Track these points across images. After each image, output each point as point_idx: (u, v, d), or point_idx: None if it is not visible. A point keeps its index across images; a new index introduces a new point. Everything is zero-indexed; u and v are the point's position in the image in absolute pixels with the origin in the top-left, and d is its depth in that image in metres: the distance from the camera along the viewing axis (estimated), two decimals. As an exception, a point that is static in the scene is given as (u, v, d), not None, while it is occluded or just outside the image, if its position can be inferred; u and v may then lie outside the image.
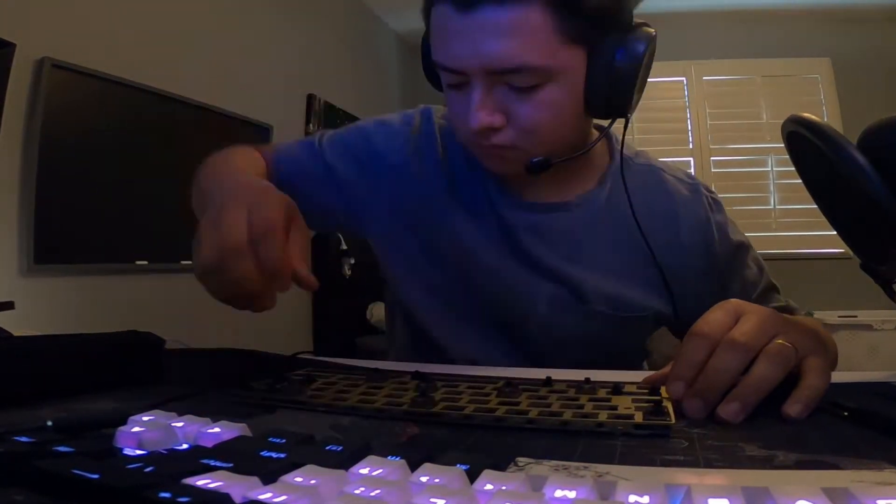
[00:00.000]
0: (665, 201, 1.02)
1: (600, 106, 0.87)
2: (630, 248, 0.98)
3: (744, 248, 1.05)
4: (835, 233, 0.78)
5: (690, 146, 4.99)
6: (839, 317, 4.31)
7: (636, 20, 0.86)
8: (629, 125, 0.93)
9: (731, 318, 0.61)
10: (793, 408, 0.54)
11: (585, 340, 0.99)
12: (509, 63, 0.78)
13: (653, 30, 0.86)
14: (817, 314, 4.39)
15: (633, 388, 0.63)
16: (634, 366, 1.09)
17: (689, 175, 1.07)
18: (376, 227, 1.08)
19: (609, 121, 0.93)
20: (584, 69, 0.83)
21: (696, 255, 1.01)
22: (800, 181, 0.80)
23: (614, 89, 0.84)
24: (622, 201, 0.95)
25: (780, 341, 0.58)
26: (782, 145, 0.79)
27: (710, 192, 1.06)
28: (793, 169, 0.80)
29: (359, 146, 1.06)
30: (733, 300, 0.65)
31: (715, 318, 0.62)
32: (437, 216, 1.01)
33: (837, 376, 0.70)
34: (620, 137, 0.99)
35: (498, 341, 1.01)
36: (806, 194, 0.80)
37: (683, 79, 5.06)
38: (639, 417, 0.52)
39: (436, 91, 0.96)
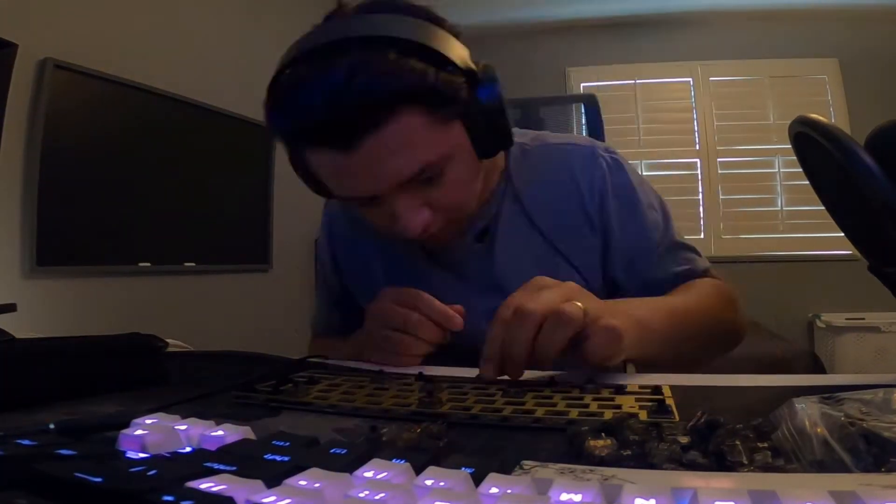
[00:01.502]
0: (563, 170, 1.06)
1: (490, 150, 0.91)
2: (539, 230, 1.05)
3: (640, 207, 1.06)
4: (842, 234, 0.77)
5: (697, 147, 4.98)
6: (846, 319, 4.29)
7: (475, 62, 0.87)
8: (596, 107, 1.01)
9: (529, 295, 0.71)
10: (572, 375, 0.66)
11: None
12: (411, 172, 0.82)
13: (491, 65, 0.87)
14: (825, 316, 4.40)
15: (636, 388, 0.63)
16: None
17: (588, 140, 1.11)
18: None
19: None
20: (465, 134, 0.87)
21: (597, 219, 1.04)
22: (807, 182, 0.80)
23: (494, 131, 0.88)
24: (522, 191, 1.05)
25: (568, 303, 0.67)
26: (789, 146, 0.79)
27: (610, 151, 1.09)
28: (800, 170, 0.80)
29: (322, 259, 1.27)
30: (538, 278, 0.75)
31: (514, 296, 0.71)
32: (377, 276, 1.13)
33: (844, 378, 0.70)
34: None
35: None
36: (813, 196, 0.79)
37: (690, 79, 5.05)
38: (643, 415, 0.52)
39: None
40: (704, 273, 1.07)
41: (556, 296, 0.70)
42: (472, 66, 0.85)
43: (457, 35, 0.87)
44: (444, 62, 0.81)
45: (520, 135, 1.10)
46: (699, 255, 1.09)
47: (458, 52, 0.84)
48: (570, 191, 1.05)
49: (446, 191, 0.87)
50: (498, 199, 1.06)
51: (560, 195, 1.05)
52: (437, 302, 0.87)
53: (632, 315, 0.77)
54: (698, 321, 0.92)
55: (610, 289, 1.06)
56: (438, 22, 0.87)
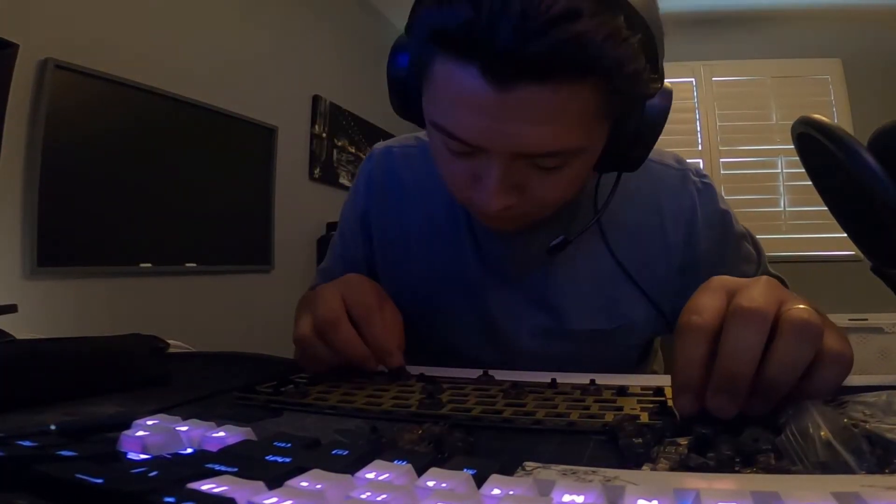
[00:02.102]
0: (648, 191, 0.96)
1: (614, 166, 0.80)
2: (616, 257, 0.93)
3: (734, 237, 0.97)
4: (845, 235, 0.77)
5: (700, 147, 4.97)
6: (849, 320, 4.28)
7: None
8: None
9: (721, 297, 0.52)
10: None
11: (573, 360, 0.93)
12: (545, 149, 0.69)
13: (670, 86, 0.76)
14: (827, 317, 4.39)
15: (638, 390, 0.63)
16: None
17: (678, 160, 1.00)
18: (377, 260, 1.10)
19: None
20: (606, 136, 0.75)
21: (679, 250, 0.95)
22: (810, 183, 0.80)
23: (637, 148, 0.77)
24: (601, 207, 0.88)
25: (799, 306, 0.48)
26: (792, 146, 0.79)
27: (701, 175, 0.98)
28: (803, 170, 0.80)
29: (348, 216, 1.11)
30: (716, 277, 0.56)
31: (702, 302, 0.52)
32: (414, 253, 1.03)
33: (846, 379, 0.70)
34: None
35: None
36: (816, 196, 0.79)
37: (693, 80, 5.04)
38: (644, 418, 0.51)
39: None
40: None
41: (775, 292, 0.51)
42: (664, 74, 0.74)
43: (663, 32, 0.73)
44: (654, 57, 0.68)
45: None
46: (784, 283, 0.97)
47: (662, 55, 0.72)
48: (653, 216, 0.95)
49: (552, 185, 0.75)
50: (573, 210, 0.95)
51: (642, 219, 0.95)
52: (384, 332, 0.75)
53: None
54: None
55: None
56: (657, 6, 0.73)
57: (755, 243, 1.00)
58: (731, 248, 0.96)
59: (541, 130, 0.66)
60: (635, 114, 0.73)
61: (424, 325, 1.00)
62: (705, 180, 0.97)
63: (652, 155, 0.87)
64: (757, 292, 0.50)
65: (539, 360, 0.93)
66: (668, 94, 0.75)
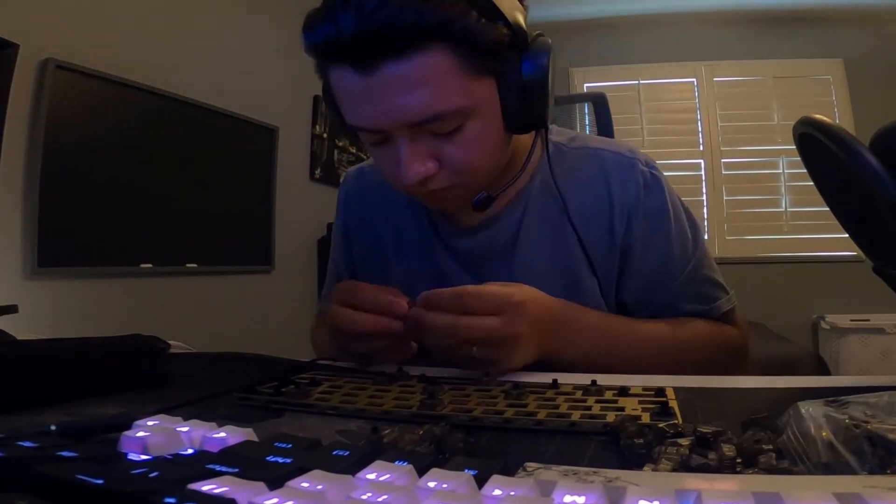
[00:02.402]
0: (599, 179, 1.00)
1: (520, 124, 0.87)
2: (567, 234, 0.99)
3: (668, 233, 1.01)
4: (847, 235, 0.77)
5: (701, 148, 4.97)
6: (851, 320, 4.28)
7: (532, 32, 0.85)
8: (605, 106, 0.96)
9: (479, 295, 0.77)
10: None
11: None
12: (425, 114, 0.77)
13: (549, 39, 0.85)
14: (829, 317, 4.39)
15: (640, 390, 0.63)
16: None
17: (630, 150, 1.04)
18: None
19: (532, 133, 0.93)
20: (497, 95, 0.83)
21: (620, 236, 0.99)
22: (811, 183, 0.80)
23: (529, 105, 0.83)
24: (554, 190, 0.97)
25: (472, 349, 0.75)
26: (794, 147, 0.78)
27: (650, 166, 1.02)
28: (804, 171, 0.80)
29: (335, 237, 1.22)
30: (524, 288, 0.81)
31: (488, 290, 0.79)
32: (390, 259, 1.11)
33: (848, 380, 0.70)
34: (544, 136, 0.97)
35: None
36: (817, 197, 0.79)
37: (694, 80, 5.04)
38: (646, 418, 0.51)
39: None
40: (723, 317, 1.04)
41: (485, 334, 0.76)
42: (524, 27, 0.82)
43: None
44: (494, 12, 0.78)
45: (556, 133, 1.06)
46: (725, 295, 1.05)
47: (513, 9, 0.81)
48: (602, 201, 0.99)
49: (460, 148, 0.82)
50: (527, 195, 1.02)
51: (593, 203, 0.99)
52: (378, 293, 0.82)
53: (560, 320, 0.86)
54: (661, 350, 0.93)
55: (621, 312, 1.02)
56: None
57: (696, 239, 1.04)
58: (664, 241, 1.00)
59: (413, 99, 0.76)
60: (511, 67, 0.81)
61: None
62: (654, 172, 1.01)
63: (608, 145, 1.04)
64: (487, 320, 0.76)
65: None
66: (543, 47, 0.83)
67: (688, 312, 1.01)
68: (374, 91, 0.76)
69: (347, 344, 0.83)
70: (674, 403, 0.56)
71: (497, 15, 0.78)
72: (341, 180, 1.23)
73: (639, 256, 0.99)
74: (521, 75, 0.81)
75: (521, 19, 0.82)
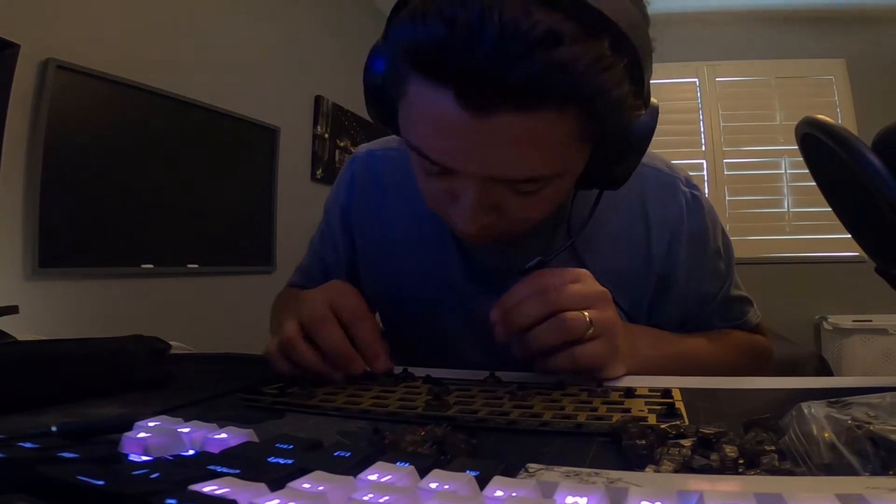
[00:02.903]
0: (636, 199, 0.94)
1: (595, 184, 0.78)
2: (594, 263, 0.90)
3: (710, 254, 0.98)
4: (849, 236, 0.77)
5: (703, 148, 4.97)
6: (853, 321, 4.28)
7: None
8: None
9: (557, 280, 0.71)
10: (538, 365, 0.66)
11: None
12: (521, 175, 0.67)
13: (657, 102, 0.76)
14: (832, 318, 4.39)
15: (646, 391, 0.63)
16: None
17: (668, 166, 0.98)
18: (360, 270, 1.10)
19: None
20: (588, 158, 0.73)
21: (660, 259, 0.95)
22: (814, 184, 0.79)
23: (621, 168, 0.75)
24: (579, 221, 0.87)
25: (578, 313, 0.65)
26: (796, 147, 0.78)
27: (691, 186, 0.97)
28: (807, 171, 0.79)
29: (331, 214, 1.12)
30: (577, 270, 0.74)
31: (546, 275, 0.72)
32: (399, 256, 1.03)
33: (851, 381, 0.70)
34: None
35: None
36: (820, 197, 0.79)
37: (696, 80, 5.04)
38: (652, 419, 0.51)
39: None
40: (753, 329, 1.05)
41: (579, 298, 0.70)
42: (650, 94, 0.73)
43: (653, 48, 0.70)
44: (640, 81, 0.67)
45: None
46: (752, 308, 1.05)
47: (648, 74, 0.70)
48: (638, 223, 0.94)
49: (530, 206, 0.73)
50: (557, 222, 0.93)
51: (627, 226, 0.94)
52: (341, 346, 0.73)
53: (634, 351, 0.78)
54: (706, 369, 0.85)
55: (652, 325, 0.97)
56: (648, 23, 0.70)
57: (728, 258, 1.01)
58: (705, 265, 0.97)
59: (518, 157, 0.64)
60: (619, 134, 0.70)
61: (411, 324, 1.04)
62: (695, 192, 0.97)
63: (646, 158, 0.88)
64: (575, 288, 0.71)
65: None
66: (654, 112, 0.74)
67: (720, 328, 1.01)
68: (475, 134, 0.62)
69: (286, 361, 0.74)
70: (680, 405, 0.56)
71: (643, 85, 0.68)
72: (349, 160, 1.12)
73: (680, 281, 0.95)
74: (626, 140, 0.72)
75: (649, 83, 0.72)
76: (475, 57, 0.56)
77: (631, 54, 0.62)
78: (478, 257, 0.97)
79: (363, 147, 1.11)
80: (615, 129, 0.69)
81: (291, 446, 0.39)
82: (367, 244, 1.07)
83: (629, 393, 0.62)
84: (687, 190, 0.96)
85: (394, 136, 0.91)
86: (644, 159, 0.84)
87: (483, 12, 0.55)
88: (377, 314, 1.06)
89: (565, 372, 0.69)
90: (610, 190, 0.80)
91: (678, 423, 0.49)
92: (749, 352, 1.00)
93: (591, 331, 0.68)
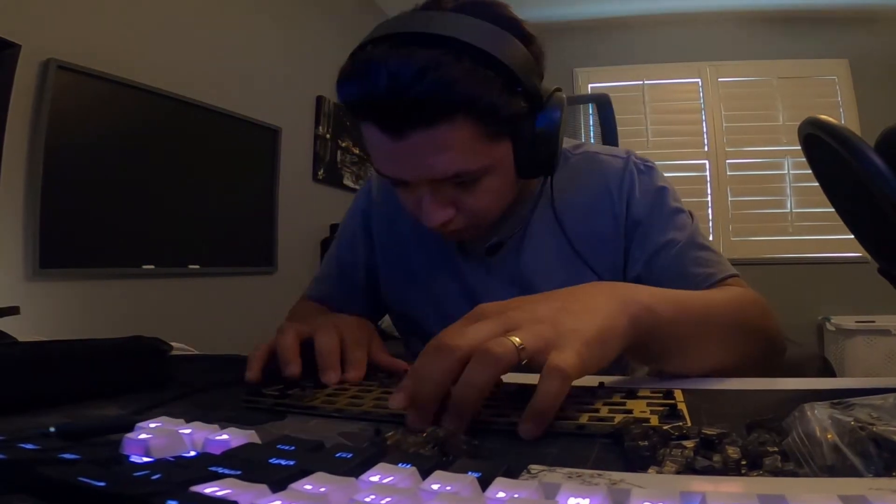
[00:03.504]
0: (598, 178, 1.09)
1: (531, 172, 0.95)
2: (570, 241, 1.06)
3: (667, 207, 1.07)
4: (852, 236, 0.77)
5: (706, 148, 4.97)
6: (856, 322, 4.28)
7: (547, 89, 0.92)
8: (609, 107, 1.07)
9: (458, 327, 0.59)
10: (521, 428, 0.51)
11: None
12: (447, 173, 0.87)
13: (563, 95, 0.93)
14: (835, 319, 4.38)
15: (648, 392, 0.63)
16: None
17: (626, 153, 1.13)
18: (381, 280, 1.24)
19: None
20: (512, 152, 0.92)
21: (622, 218, 1.06)
22: (817, 184, 0.79)
23: (541, 156, 0.92)
24: (557, 198, 1.04)
25: (498, 339, 0.55)
26: (799, 147, 0.78)
27: (644, 160, 1.12)
28: (809, 172, 0.79)
29: (350, 228, 1.26)
30: (483, 305, 0.63)
31: (452, 327, 0.60)
32: (412, 258, 1.17)
33: (854, 382, 0.69)
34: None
35: None
36: (823, 198, 0.79)
37: (698, 80, 5.04)
38: (654, 421, 0.51)
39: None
40: (729, 278, 1.02)
41: (491, 329, 0.58)
42: (540, 90, 0.90)
43: (540, 55, 0.92)
44: (514, 82, 0.85)
45: (564, 141, 1.06)
46: (725, 261, 1.05)
47: (532, 75, 0.88)
48: (602, 197, 1.07)
49: (476, 198, 0.92)
50: (531, 203, 1.09)
51: (592, 201, 1.08)
52: (363, 359, 0.81)
53: (627, 300, 0.67)
54: (722, 319, 0.82)
55: None
56: (528, 39, 0.90)
57: (691, 214, 1.10)
58: (665, 216, 1.06)
59: (438, 160, 0.85)
60: (526, 127, 0.90)
61: (423, 310, 1.16)
62: (647, 163, 1.11)
63: (607, 150, 1.14)
64: (476, 330, 0.58)
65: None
66: (557, 104, 0.91)
67: (699, 275, 1.00)
68: (401, 152, 0.85)
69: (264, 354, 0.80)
70: (682, 406, 0.56)
71: (516, 83, 0.85)
72: (367, 179, 1.30)
73: (643, 228, 1.05)
74: (534, 132, 0.90)
75: (538, 82, 0.90)
76: (379, 99, 0.81)
77: (497, 66, 0.82)
78: (472, 246, 1.11)
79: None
80: (515, 125, 0.89)
81: (293, 447, 0.39)
82: (384, 244, 1.21)
83: (631, 394, 0.62)
84: (639, 162, 1.11)
85: None
86: (606, 150, 1.14)
87: (377, 67, 0.80)
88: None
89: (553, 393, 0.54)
90: (547, 175, 0.98)
91: (680, 424, 0.49)
92: (746, 298, 0.94)
93: (523, 352, 0.55)
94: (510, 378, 0.72)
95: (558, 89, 0.93)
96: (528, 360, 0.55)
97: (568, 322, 0.60)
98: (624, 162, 1.10)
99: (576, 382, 0.67)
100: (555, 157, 0.93)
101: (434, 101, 0.80)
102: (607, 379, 0.70)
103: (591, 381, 0.69)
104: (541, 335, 0.57)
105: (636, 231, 1.06)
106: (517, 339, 0.55)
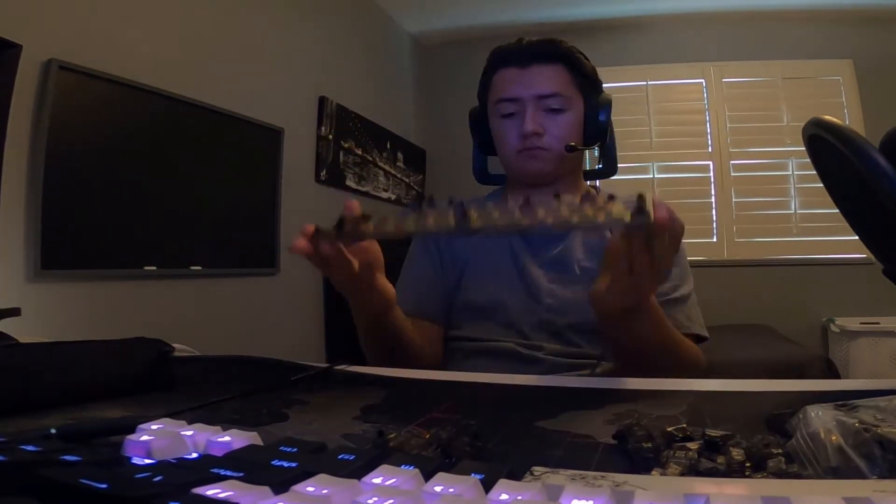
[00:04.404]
0: None
1: (590, 139, 1.34)
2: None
3: (682, 260, 1.32)
4: (857, 238, 0.77)
5: (709, 149, 4.96)
6: (861, 323, 4.26)
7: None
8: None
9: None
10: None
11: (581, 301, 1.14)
12: (549, 89, 1.28)
13: (610, 97, 1.36)
14: (839, 320, 4.37)
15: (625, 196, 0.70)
16: None
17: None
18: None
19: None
20: (583, 111, 1.33)
21: None
22: (821, 185, 0.79)
23: (599, 128, 1.33)
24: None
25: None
26: (803, 148, 0.78)
27: None
28: (814, 172, 0.79)
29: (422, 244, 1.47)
30: None
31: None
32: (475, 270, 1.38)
33: (858, 384, 0.69)
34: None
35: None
36: (828, 199, 0.79)
37: (702, 80, 5.03)
38: (627, 217, 0.66)
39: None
40: (702, 341, 1.24)
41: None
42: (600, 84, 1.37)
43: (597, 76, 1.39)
44: (589, 68, 1.35)
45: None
46: (700, 326, 1.25)
47: (596, 74, 1.36)
48: None
49: (558, 126, 1.29)
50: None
51: None
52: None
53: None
54: (672, 349, 1.04)
55: None
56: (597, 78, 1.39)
57: (685, 268, 1.33)
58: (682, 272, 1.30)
59: (545, 81, 1.29)
60: (593, 97, 1.33)
61: (480, 291, 1.34)
62: None
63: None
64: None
65: (556, 299, 1.29)
66: (609, 97, 1.35)
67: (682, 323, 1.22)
68: (525, 77, 1.30)
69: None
70: (650, 206, 0.68)
71: (591, 69, 1.35)
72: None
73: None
74: (597, 102, 1.33)
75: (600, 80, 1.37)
76: (516, 45, 1.33)
77: (583, 56, 1.35)
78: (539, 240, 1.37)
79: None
80: (588, 89, 1.33)
81: (295, 449, 0.39)
82: (453, 248, 1.42)
83: (611, 198, 0.69)
84: None
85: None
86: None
87: (522, 40, 1.34)
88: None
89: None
90: (602, 178, 1.51)
91: (684, 426, 0.49)
92: (693, 353, 1.14)
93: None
94: (510, 379, 0.72)
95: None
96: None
97: None
98: None
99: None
100: (605, 134, 1.34)
101: (553, 50, 1.30)
102: None
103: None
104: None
105: None
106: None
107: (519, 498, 0.31)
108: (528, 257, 1.35)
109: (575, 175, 1.41)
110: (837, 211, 0.79)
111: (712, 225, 4.83)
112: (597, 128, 1.33)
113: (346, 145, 4.30)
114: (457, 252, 1.40)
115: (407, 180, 5.08)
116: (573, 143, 1.29)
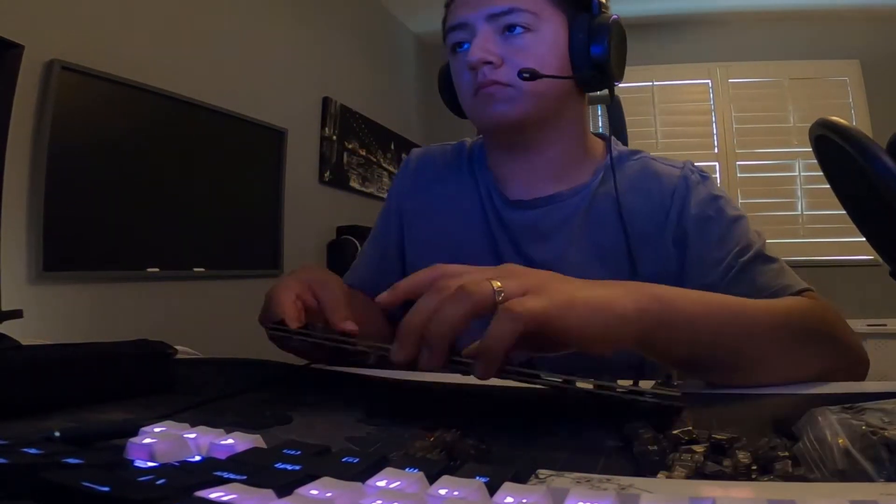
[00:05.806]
0: (655, 184, 1.07)
1: (583, 76, 1.02)
2: (618, 234, 1.04)
3: (725, 218, 1.01)
4: (864, 239, 0.76)
5: (716, 150, 4.96)
6: (868, 325, 4.25)
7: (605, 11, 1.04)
8: (619, 107, 1.17)
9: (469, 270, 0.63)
10: (474, 368, 0.56)
11: None
12: (503, 4, 0.97)
13: (616, 16, 1.03)
14: (845, 321, 4.36)
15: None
16: None
17: (686, 164, 1.10)
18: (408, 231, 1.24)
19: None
20: (566, 34, 1.01)
21: (673, 225, 1.03)
22: (828, 186, 0.79)
23: (592, 58, 1.00)
24: (612, 186, 1.06)
25: (478, 280, 0.58)
26: (810, 149, 0.78)
27: (701, 172, 1.09)
28: (821, 173, 0.79)
29: (387, 208, 1.27)
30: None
31: (453, 268, 0.63)
32: (440, 226, 1.17)
33: (865, 386, 0.69)
34: (609, 136, 1.14)
35: None
36: (834, 200, 0.79)
37: (709, 81, 5.03)
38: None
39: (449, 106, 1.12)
40: (800, 293, 0.94)
41: (482, 275, 0.60)
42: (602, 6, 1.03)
43: None
44: None
45: (623, 147, 1.15)
46: (793, 274, 0.99)
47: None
48: (658, 205, 1.04)
49: (521, 52, 0.98)
50: (586, 190, 1.08)
51: (649, 207, 1.04)
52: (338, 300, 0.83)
53: (638, 290, 0.65)
54: (767, 320, 0.74)
55: None
56: None
57: (750, 229, 1.03)
58: (720, 227, 1.01)
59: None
60: (580, 18, 1.01)
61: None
62: (703, 174, 1.08)
63: (665, 159, 1.12)
64: (470, 271, 0.62)
65: None
66: (611, 19, 1.01)
67: (761, 289, 0.93)
68: None
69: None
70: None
71: None
72: (407, 156, 1.32)
73: (695, 244, 1.00)
74: (587, 30, 1.00)
75: None
76: None
77: None
78: (509, 216, 1.10)
79: (421, 147, 1.33)
80: (574, 5, 1.01)
81: (299, 452, 0.38)
82: (412, 221, 1.21)
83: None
84: (696, 171, 1.08)
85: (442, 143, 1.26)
86: (664, 159, 1.12)
87: None
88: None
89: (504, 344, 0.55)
90: (601, 90, 1.09)
91: (690, 428, 0.49)
92: (810, 305, 0.87)
93: (497, 296, 0.57)
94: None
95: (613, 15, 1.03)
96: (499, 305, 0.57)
97: (560, 284, 0.62)
98: (682, 173, 1.06)
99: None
100: (606, 68, 1.01)
101: None
102: None
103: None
104: (524, 285, 0.59)
105: (689, 245, 1.00)
106: (497, 284, 0.57)
107: (524, 501, 0.30)
108: (514, 259, 1.06)
109: (569, 132, 1.09)
110: (844, 212, 0.79)
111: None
112: (586, 53, 1.00)
113: (349, 146, 4.31)
114: (428, 238, 1.17)
115: (411, 181, 5.09)
116: (533, 69, 0.95)
